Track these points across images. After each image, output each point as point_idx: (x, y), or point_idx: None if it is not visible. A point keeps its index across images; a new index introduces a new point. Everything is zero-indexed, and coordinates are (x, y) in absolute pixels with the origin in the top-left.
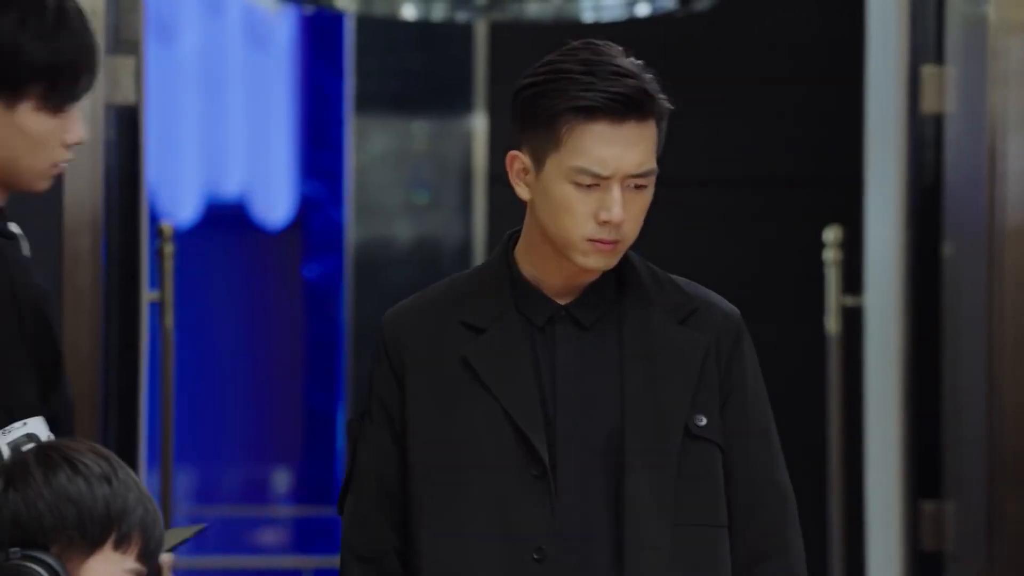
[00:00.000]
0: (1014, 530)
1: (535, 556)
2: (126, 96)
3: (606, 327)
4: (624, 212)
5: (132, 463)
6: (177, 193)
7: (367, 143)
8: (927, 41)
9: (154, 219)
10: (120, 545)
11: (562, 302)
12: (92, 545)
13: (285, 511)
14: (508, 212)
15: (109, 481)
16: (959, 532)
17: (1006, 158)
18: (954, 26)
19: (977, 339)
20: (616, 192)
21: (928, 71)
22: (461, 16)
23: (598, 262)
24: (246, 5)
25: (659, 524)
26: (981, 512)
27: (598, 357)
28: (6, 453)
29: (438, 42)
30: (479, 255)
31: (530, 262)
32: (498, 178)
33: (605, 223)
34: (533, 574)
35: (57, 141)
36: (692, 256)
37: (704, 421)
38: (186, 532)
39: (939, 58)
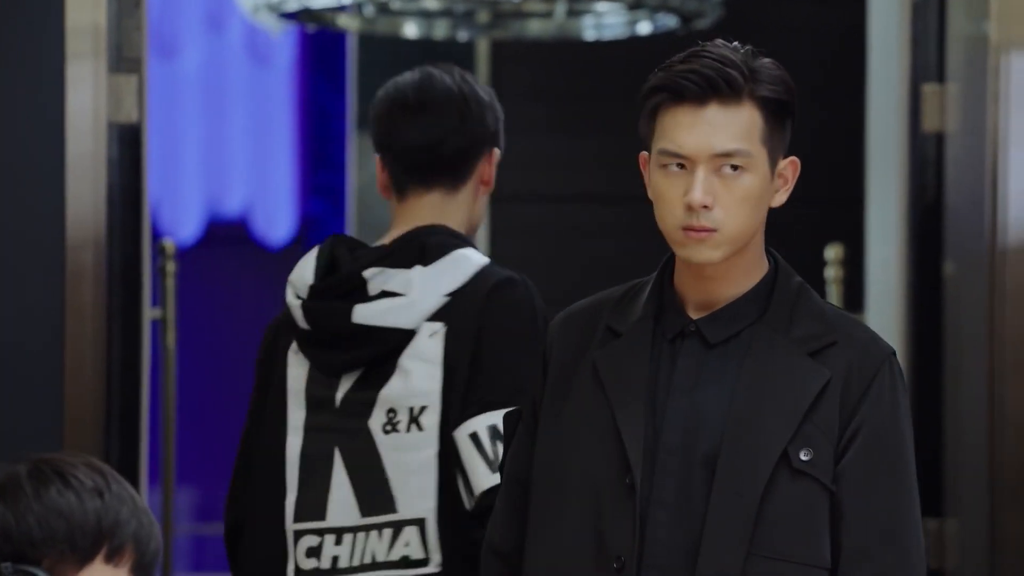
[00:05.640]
0: (1016, 548)
1: (615, 565)
2: (128, 114)
3: (734, 348)
4: (711, 197)
5: (133, 481)
6: (178, 211)
7: (369, 161)
8: (928, 60)
9: (155, 237)
10: (112, 558)
11: (696, 317)
12: (83, 559)
13: None
14: (510, 231)
15: (101, 495)
16: (961, 550)
17: (1007, 176)
18: (955, 45)
19: (978, 357)
20: (699, 174)
21: (929, 90)
22: (463, 34)
23: (695, 253)
24: (247, 23)
25: (733, 552)
26: (983, 530)
27: (716, 377)
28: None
29: (440, 60)
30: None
31: (677, 273)
32: (500, 197)
33: (690, 208)
34: None
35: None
36: None
37: (809, 457)
38: None
39: (940, 77)
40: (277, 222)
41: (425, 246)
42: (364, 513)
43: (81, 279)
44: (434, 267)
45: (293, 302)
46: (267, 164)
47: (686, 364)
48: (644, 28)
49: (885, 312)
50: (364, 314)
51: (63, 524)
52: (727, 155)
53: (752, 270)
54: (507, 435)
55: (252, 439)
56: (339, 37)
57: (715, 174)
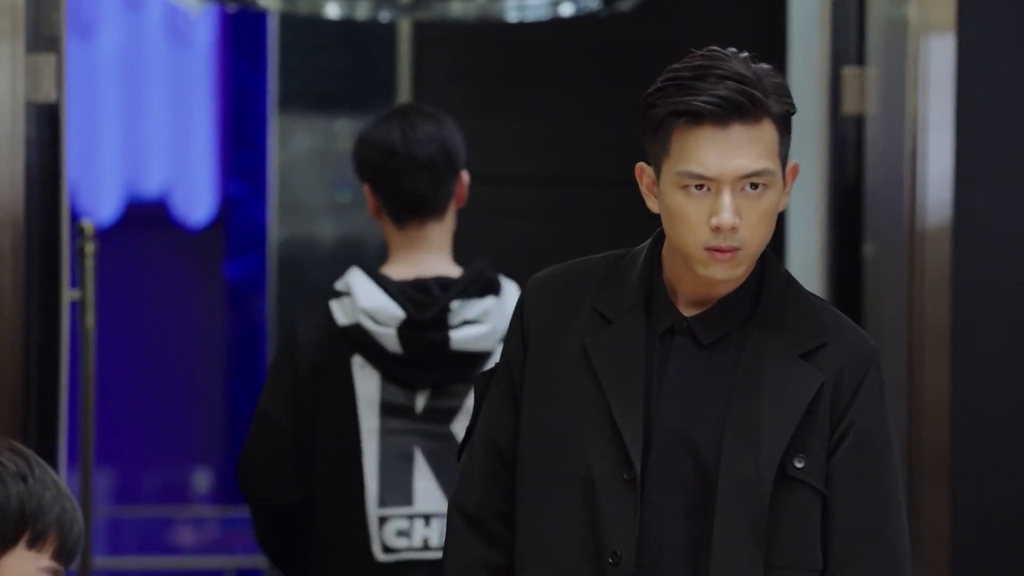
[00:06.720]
0: (932, 527)
1: (611, 560)
2: (47, 94)
3: (726, 348)
4: (738, 218)
5: (52, 462)
6: (97, 191)
7: (290, 142)
8: (848, 42)
9: (74, 218)
10: (35, 544)
11: (688, 313)
12: (5, 544)
13: (206, 511)
14: None
15: (24, 479)
16: None
17: (926, 159)
18: (875, 28)
19: (897, 338)
20: (726, 197)
21: (849, 72)
22: (385, 15)
23: (719, 272)
24: (167, 3)
25: (750, 562)
26: None
27: (708, 378)
28: None
29: (362, 41)
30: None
31: (670, 266)
32: None
33: (717, 229)
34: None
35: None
36: None
37: (803, 464)
38: None
39: (860, 59)
40: (197, 203)
41: (490, 281)
42: None
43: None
44: (501, 298)
45: (380, 330)
46: (187, 145)
47: (678, 366)
48: (567, 9)
49: None
50: (459, 340)
51: None
52: (753, 175)
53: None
54: (478, 397)
55: (282, 420)
56: (260, 17)
57: (739, 193)
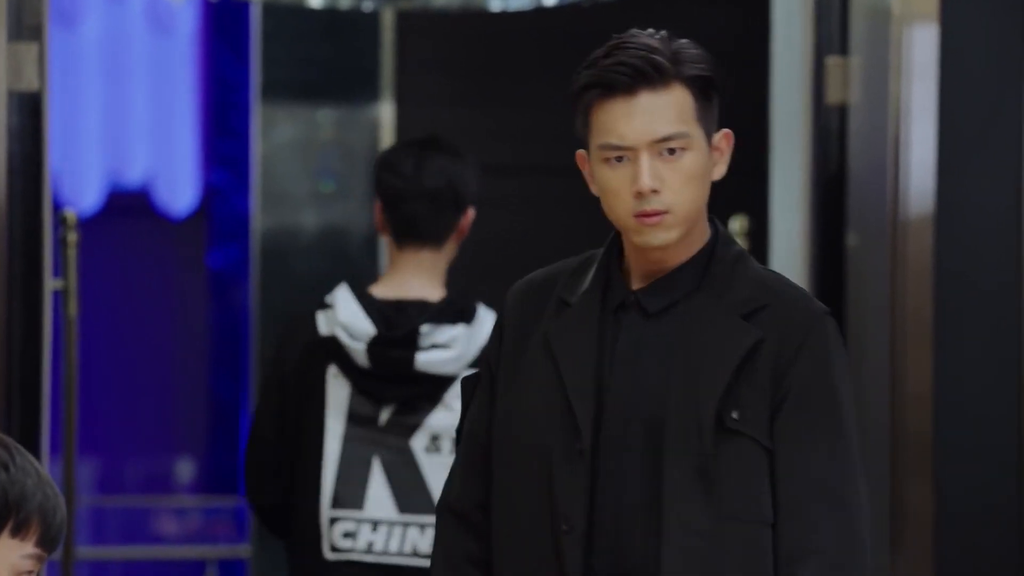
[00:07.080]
0: (916, 517)
1: (564, 528)
2: (29, 83)
3: (672, 317)
4: (659, 181)
5: (35, 452)
6: (80, 181)
7: (273, 131)
8: (832, 32)
9: (57, 207)
10: (19, 532)
11: (637, 288)
12: None
13: (189, 501)
14: None
15: (6, 468)
16: None
17: (909, 148)
18: (858, 17)
19: (880, 328)
20: (643, 161)
21: (833, 62)
22: (368, 4)
23: (652, 238)
24: None
25: (701, 514)
26: (884, 500)
27: (656, 346)
28: None
29: (345, 30)
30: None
31: (625, 249)
32: None
33: (640, 195)
34: (564, 545)
35: None
36: (600, 245)
37: (738, 415)
38: None
39: (843, 49)
40: (179, 192)
41: (464, 309)
42: (402, 510)
43: None
44: (472, 326)
45: (353, 344)
46: (169, 133)
47: (627, 337)
48: None
49: None
50: (423, 362)
51: None
52: (666, 139)
53: (694, 240)
54: (465, 398)
55: (268, 432)
56: (242, 6)
57: (657, 158)
